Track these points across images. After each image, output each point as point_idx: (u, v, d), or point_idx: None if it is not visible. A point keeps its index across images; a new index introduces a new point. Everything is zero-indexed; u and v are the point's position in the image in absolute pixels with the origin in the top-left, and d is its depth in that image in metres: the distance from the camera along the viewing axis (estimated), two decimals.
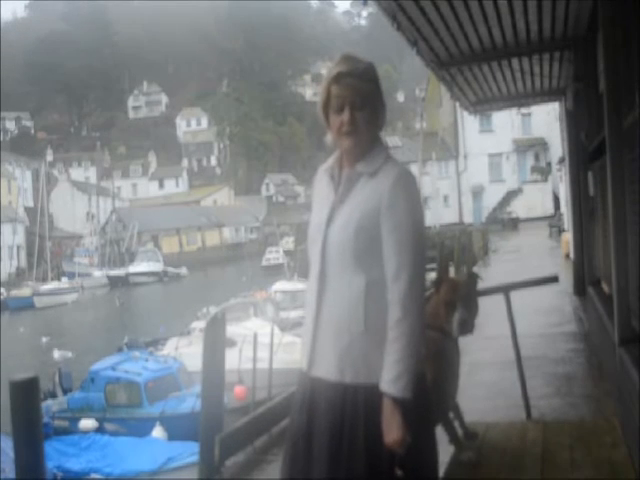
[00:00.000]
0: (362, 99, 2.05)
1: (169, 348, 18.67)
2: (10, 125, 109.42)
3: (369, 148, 2.10)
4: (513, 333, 4.65)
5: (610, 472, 3.35)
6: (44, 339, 28.65)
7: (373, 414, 1.98)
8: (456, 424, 3.60)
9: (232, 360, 6.27)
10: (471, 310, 3.28)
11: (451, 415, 3.55)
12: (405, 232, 1.98)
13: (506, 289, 4.66)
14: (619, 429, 3.94)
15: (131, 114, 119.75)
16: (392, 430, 1.95)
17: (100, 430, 14.15)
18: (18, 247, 62.46)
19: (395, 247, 1.98)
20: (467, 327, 3.23)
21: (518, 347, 4.66)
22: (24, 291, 47.97)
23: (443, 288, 3.30)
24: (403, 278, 1.96)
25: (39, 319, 38.95)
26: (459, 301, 3.23)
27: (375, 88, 2.08)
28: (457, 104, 12.66)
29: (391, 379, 1.96)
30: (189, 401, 13.56)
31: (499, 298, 4.51)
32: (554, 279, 5.34)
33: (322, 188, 2.18)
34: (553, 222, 32.72)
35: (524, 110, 41.67)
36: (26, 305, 44.23)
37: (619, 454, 3.54)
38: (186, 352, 16.99)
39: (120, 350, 19.14)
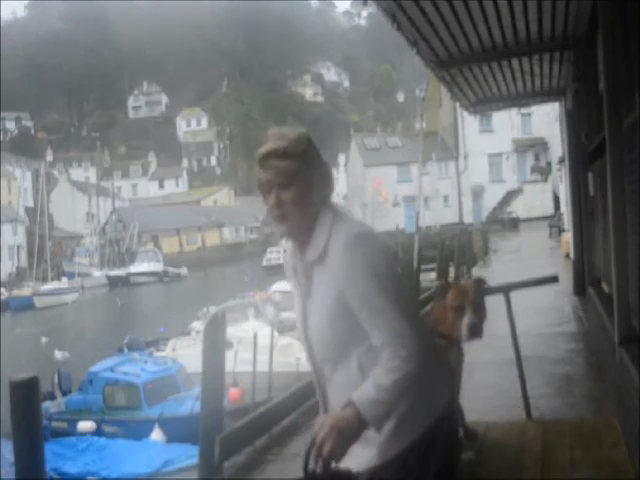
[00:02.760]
0: (287, 178, 1.87)
1: (170, 349, 18.68)
2: (10, 125, 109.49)
3: (309, 229, 1.92)
4: (513, 333, 4.65)
5: (610, 472, 3.35)
6: (44, 339, 28.66)
7: None
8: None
9: (227, 362, 6.28)
10: (479, 315, 3.28)
11: None
12: (377, 301, 1.83)
13: (506, 289, 4.66)
14: (619, 429, 3.94)
15: (131, 114, 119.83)
16: (334, 436, 1.75)
17: (98, 432, 14.07)
18: (18, 247, 62.50)
19: (373, 320, 1.84)
20: (476, 331, 3.23)
21: (518, 347, 4.66)
22: (24, 291, 48.00)
23: (451, 293, 3.29)
24: (394, 342, 1.83)
25: (39, 319, 38.95)
26: (468, 306, 3.22)
27: (300, 163, 1.89)
28: (457, 104, 12.65)
29: (369, 399, 1.79)
30: (188, 403, 13.52)
31: (499, 298, 4.51)
32: (554, 279, 5.34)
33: (290, 276, 2.08)
34: (553, 222, 32.70)
35: (524, 110, 41.64)
36: (26, 305, 44.26)
37: (619, 454, 3.54)
38: (185, 353, 16.99)
39: (120, 350, 19.14)
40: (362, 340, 1.88)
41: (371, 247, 1.86)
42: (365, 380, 1.84)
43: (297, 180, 1.89)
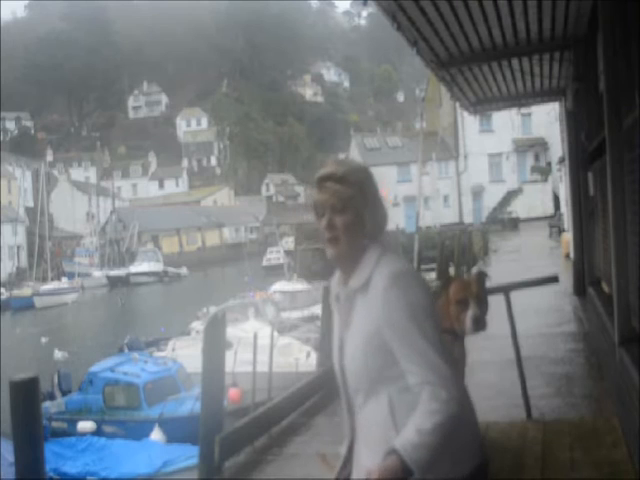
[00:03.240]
0: (342, 203, 1.92)
1: (170, 349, 18.68)
2: (10, 125, 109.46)
3: (357, 258, 1.95)
4: (513, 333, 4.65)
5: (610, 472, 3.36)
6: (44, 339, 28.66)
7: None
8: None
9: (227, 362, 6.27)
10: (483, 307, 3.29)
11: None
12: (418, 340, 1.83)
13: (506, 289, 4.67)
14: (619, 429, 3.94)
15: (131, 114, 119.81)
16: None
17: (98, 432, 14.01)
18: (18, 247, 62.53)
19: (413, 358, 1.84)
20: (481, 324, 3.23)
21: (518, 347, 4.66)
22: (24, 291, 48.02)
23: (453, 287, 3.29)
24: (434, 382, 1.81)
25: (39, 319, 38.94)
26: (471, 298, 3.23)
27: (356, 192, 1.93)
28: (457, 104, 12.65)
29: (411, 445, 1.75)
30: (188, 403, 13.50)
31: (499, 298, 4.51)
32: (554, 279, 5.35)
33: (333, 306, 2.09)
34: (553, 222, 32.68)
35: (524, 110, 41.60)
36: (26, 305, 44.27)
37: (619, 454, 3.54)
38: (185, 353, 16.99)
39: (121, 350, 19.14)
40: (396, 379, 1.88)
41: (414, 286, 1.88)
42: (394, 421, 1.84)
43: (351, 207, 1.92)
